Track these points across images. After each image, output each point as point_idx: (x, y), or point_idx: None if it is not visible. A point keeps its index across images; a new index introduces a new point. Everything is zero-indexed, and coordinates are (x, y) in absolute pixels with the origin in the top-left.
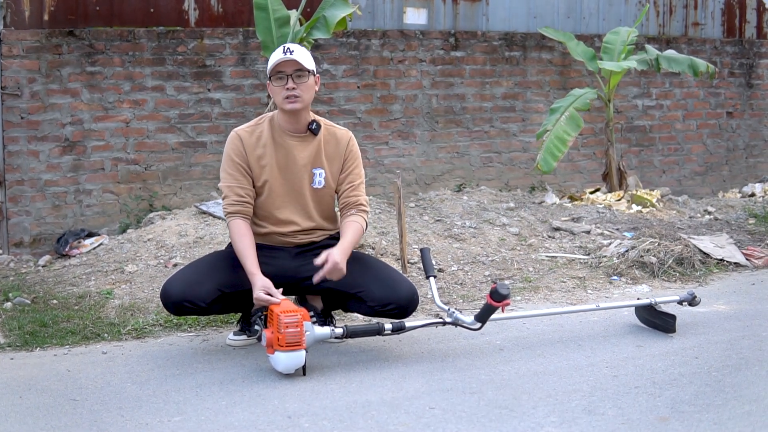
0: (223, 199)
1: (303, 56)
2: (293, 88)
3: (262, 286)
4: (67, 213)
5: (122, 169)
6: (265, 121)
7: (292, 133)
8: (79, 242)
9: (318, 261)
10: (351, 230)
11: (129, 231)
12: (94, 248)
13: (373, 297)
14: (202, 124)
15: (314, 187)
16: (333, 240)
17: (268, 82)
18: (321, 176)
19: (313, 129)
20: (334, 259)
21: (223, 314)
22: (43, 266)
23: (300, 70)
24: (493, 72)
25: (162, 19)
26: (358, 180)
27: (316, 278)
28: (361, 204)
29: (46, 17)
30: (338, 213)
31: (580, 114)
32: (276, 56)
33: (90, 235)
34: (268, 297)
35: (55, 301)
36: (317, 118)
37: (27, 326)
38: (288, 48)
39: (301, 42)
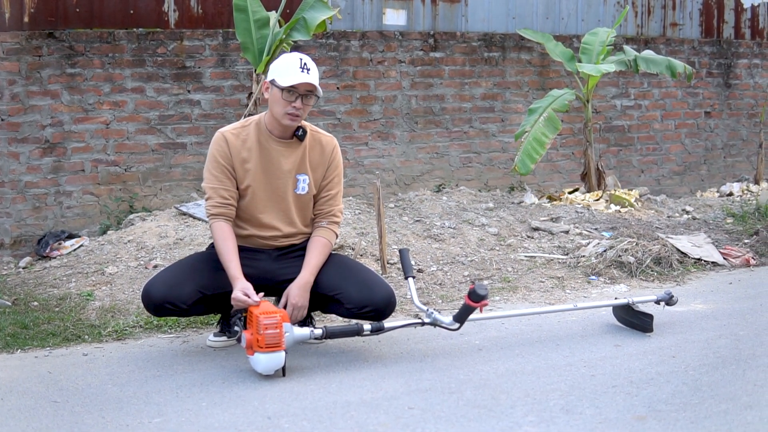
0: (206, 200)
1: (316, 77)
2: (299, 108)
3: (241, 288)
4: (48, 214)
5: (102, 171)
6: (251, 124)
7: (278, 138)
8: (60, 244)
9: (280, 305)
10: (317, 251)
11: (109, 232)
12: (75, 250)
13: (350, 299)
14: (182, 126)
15: (297, 193)
16: None
17: (267, 81)
18: (305, 182)
19: (299, 135)
20: (293, 302)
21: (203, 315)
22: (23, 268)
23: (311, 92)
24: (473, 72)
25: (142, 20)
26: (335, 189)
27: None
28: (334, 215)
29: (26, 19)
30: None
31: (559, 115)
32: (293, 71)
33: (70, 236)
34: (245, 298)
35: (35, 303)
36: (303, 123)
37: (8, 328)
38: (305, 65)
39: (280, 44)
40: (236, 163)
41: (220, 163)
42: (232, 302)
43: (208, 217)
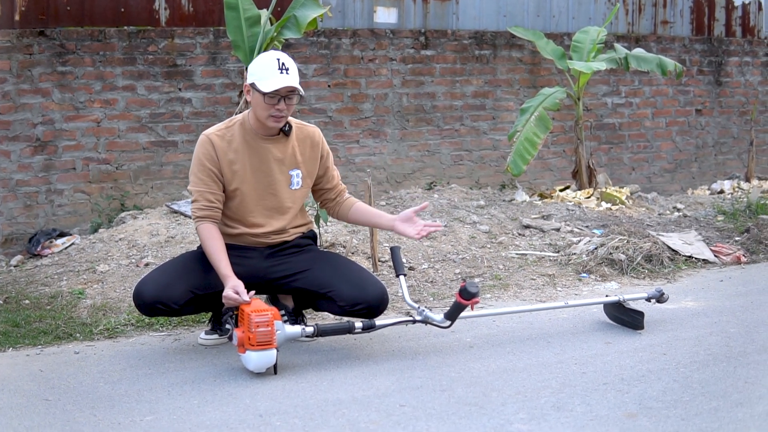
0: (192, 202)
1: (297, 78)
2: (282, 110)
3: (232, 286)
4: (39, 213)
5: (93, 169)
6: (236, 124)
7: (265, 136)
8: (51, 242)
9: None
10: (369, 209)
11: (100, 230)
12: (66, 248)
13: (343, 297)
14: (173, 124)
15: (292, 189)
16: (304, 238)
17: (248, 85)
18: (298, 177)
19: (285, 131)
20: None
21: (195, 314)
22: (15, 266)
23: (293, 92)
24: (464, 70)
25: (132, 18)
26: (337, 179)
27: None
28: (345, 189)
29: (17, 17)
30: (317, 207)
31: (550, 113)
32: (272, 73)
33: (62, 234)
34: (236, 296)
35: (27, 301)
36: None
37: None
38: (283, 65)
39: (271, 42)
40: (223, 165)
41: (206, 166)
42: (224, 300)
43: (194, 219)
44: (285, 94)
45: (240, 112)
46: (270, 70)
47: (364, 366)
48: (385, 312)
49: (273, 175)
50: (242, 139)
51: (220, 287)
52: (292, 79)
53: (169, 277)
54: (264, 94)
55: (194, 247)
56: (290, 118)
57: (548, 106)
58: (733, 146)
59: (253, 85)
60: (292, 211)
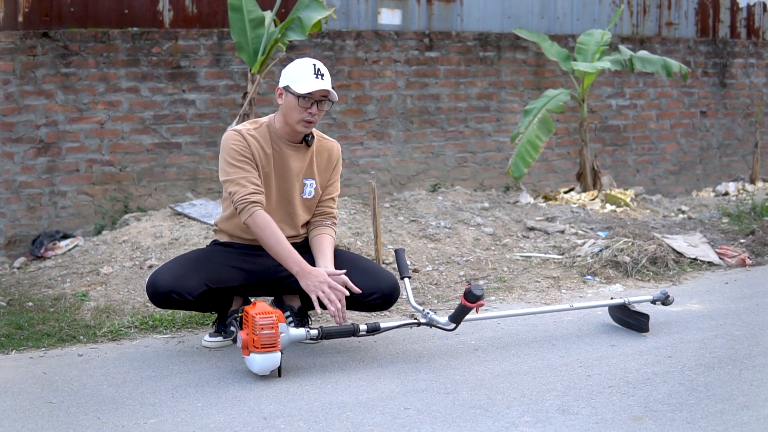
0: (236, 190)
1: (330, 82)
2: (314, 114)
3: (338, 278)
4: (42, 214)
5: (97, 171)
6: (262, 126)
7: (289, 142)
8: (54, 244)
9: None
10: (330, 247)
11: (104, 232)
12: (69, 250)
13: (357, 287)
14: (176, 125)
15: (304, 197)
16: None
17: (281, 88)
18: (311, 187)
19: (308, 141)
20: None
21: (203, 311)
22: (18, 268)
23: (325, 97)
24: (468, 72)
25: (136, 20)
26: (336, 192)
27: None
28: (335, 216)
29: (20, 19)
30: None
31: (553, 116)
32: (308, 77)
33: (65, 236)
34: (342, 288)
35: (30, 304)
36: None
37: (2, 329)
38: (319, 70)
39: (275, 43)
40: (256, 161)
41: (242, 154)
42: (329, 295)
43: (246, 206)
44: (318, 98)
45: (244, 114)
46: (306, 74)
47: (369, 369)
48: (388, 314)
49: (289, 181)
50: (269, 142)
51: (233, 283)
52: (327, 84)
53: (185, 269)
54: (299, 96)
55: (201, 247)
56: (314, 131)
57: (552, 107)
58: (738, 148)
59: (287, 87)
60: (302, 219)
